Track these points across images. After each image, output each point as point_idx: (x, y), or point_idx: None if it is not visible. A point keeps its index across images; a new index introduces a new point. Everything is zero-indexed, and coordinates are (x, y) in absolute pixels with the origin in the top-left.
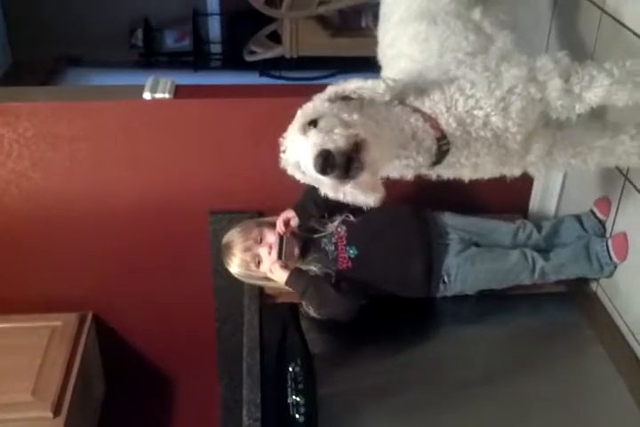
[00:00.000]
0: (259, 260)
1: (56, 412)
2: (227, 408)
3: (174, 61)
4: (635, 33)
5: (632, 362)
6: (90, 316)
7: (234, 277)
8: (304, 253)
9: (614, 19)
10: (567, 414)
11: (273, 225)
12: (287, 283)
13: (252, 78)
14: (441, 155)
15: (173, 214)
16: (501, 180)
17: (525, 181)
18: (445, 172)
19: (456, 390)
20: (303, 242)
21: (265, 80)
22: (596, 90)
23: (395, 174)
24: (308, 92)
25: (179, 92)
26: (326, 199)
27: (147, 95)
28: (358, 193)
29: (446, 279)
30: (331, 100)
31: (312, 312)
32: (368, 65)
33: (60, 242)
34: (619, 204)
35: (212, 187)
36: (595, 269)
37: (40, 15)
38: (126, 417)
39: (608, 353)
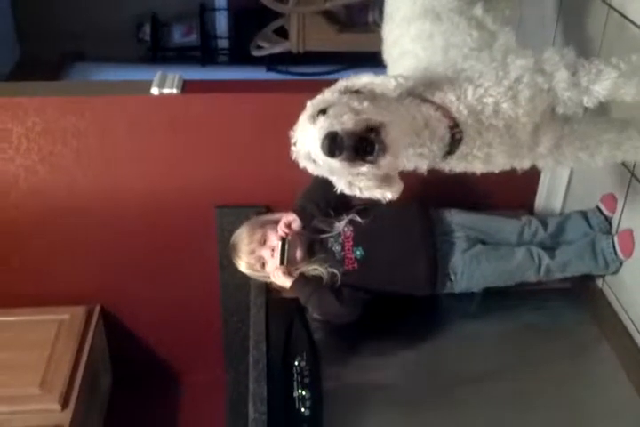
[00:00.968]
0: (263, 262)
1: (64, 404)
2: (233, 402)
3: (181, 56)
4: None
5: (637, 359)
6: (97, 309)
7: (240, 271)
8: (310, 254)
9: (621, 14)
10: (572, 411)
11: (277, 224)
12: (290, 290)
13: (259, 73)
14: (454, 144)
15: (180, 209)
16: (508, 175)
17: (531, 177)
18: (458, 165)
19: (460, 386)
20: (309, 242)
21: (272, 75)
22: (603, 83)
23: (410, 165)
24: (314, 88)
25: (186, 87)
26: (328, 198)
27: (154, 90)
28: (375, 187)
29: (452, 277)
30: (341, 93)
31: (315, 315)
32: (374, 60)
33: (67, 236)
34: (625, 200)
35: (218, 181)
36: (600, 266)
37: (48, 10)
38: (133, 410)
39: (613, 350)
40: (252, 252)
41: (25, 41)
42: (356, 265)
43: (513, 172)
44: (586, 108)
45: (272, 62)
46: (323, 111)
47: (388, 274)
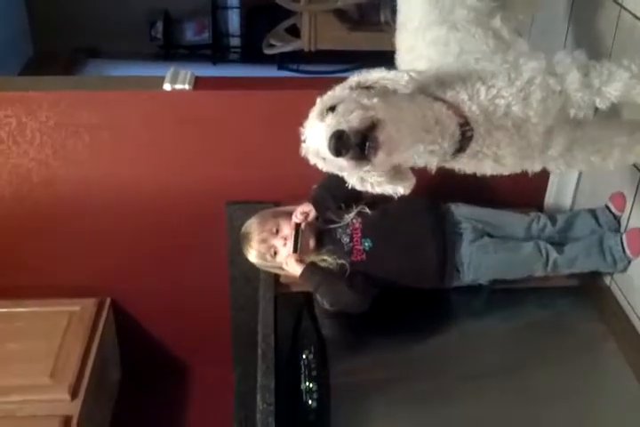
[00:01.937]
0: (274, 251)
1: (74, 394)
2: (241, 395)
3: (193, 54)
4: None
5: None
6: (108, 302)
7: (249, 266)
8: (319, 245)
9: (634, 15)
10: (578, 409)
11: (289, 215)
12: (301, 278)
13: (271, 71)
14: (465, 141)
15: (191, 204)
16: (517, 174)
17: (541, 176)
18: (468, 163)
19: (467, 382)
20: (319, 233)
21: (283, 73)
22: (615, 84)
23: (420, 162)
24: (325, 85)
25: (198, 83)
26: (343, 190)
27: (167, 86)
28: (386, 182)
29: (460, 268)
30: (352, 89)
31: (325, 305)
32: (386, 59)
33: (79, 230)
34: (634, 199)
35: (229, 177)
36: (608, 264)
37: (61, 7)
38: (141, 402)
39: (620, 348)
40: (264, 240)
41: (39, 37)
42: (364, 256)
43: (522, 172)
44: (596, 110)
45: (283, 60)
46: (332, 108)
47: (397, 265)
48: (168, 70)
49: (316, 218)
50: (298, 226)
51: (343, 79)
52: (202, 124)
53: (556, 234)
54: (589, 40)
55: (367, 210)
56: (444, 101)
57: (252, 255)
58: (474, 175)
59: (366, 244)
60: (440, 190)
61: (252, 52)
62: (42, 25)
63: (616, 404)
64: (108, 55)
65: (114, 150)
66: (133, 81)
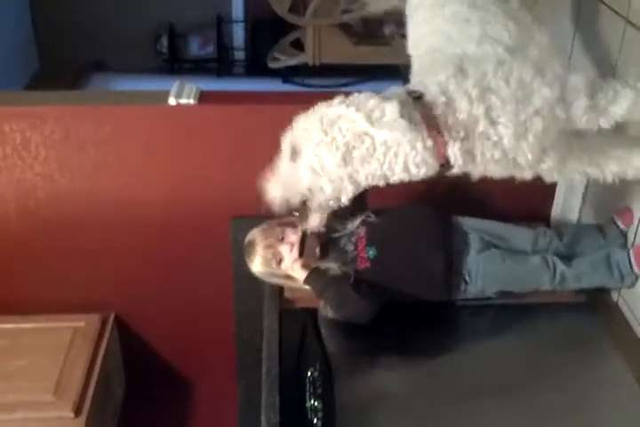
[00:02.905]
0: (280, 258)
1: (77, 412)
2: (245, 411)
3: (198, 68)
4: None
5: None
6: (112, 317)
7: (254, 282)
8: (323, 252)
9: (638, 28)
10: (585, 425)
11: (295, 225)
12: (306, 281)
13: (275, 85)
14: (443, 169)
15: (195, 219)
16: (524, 188)
17: (548, 190)
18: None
19: (473, 400)
20: (323, 241)
21: (287, 87)
22: (621, 104)
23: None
24: (329, 99)
25: (203, 98)
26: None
27: (171, 100)
28: None
29: (467, 278)
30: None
31: (330, 313)
32: (390, 72)
33: (83, 244)
34: None
35: (234, 192)
36: (616, 279)
37: (67, 21)
38: (145, 418)
39: (628, 364)
40: (270, 247)
41: (45, 51)
42: (368, 264)
43: (529, 186)
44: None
45: (288, 74)
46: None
47: (402, 273)
48: (173, 84)
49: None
50: (304, 232)
51: (347, 93)
52: (206, 139)
53: (563, 248)
54: (595, 51)
55: (372, 218)
56: (431, 133)
57: (257, 262)
58: (479, 190)
59: (371, 252)
60: (447, 203)
61: (256, 66)
62: (47, 39)
63: (624, 420)
64: (113, 69)
65: (119, 165)
66: (138, 95)
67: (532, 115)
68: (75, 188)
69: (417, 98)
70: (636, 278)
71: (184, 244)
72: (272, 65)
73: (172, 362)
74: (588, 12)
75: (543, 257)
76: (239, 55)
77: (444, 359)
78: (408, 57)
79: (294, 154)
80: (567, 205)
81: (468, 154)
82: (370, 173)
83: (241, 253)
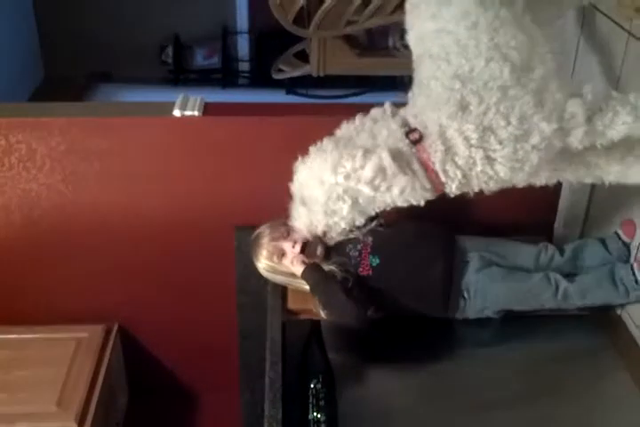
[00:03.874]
0: (282, 252)
1: (80, 423)
2: (248, 423)
3: (203, 79)
4: None
5: None
6: (115, 328)
7: (257, 293)
8: (327, 255)
9: None
10: None
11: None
12: (302, 275)
13: (279, 96)
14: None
15: (200, 229)
16: (526, 203)
17: (550, 204)
18: None
19: (477, 413)
20: (328, 245)
21: (292, 98)
22: (618, 127)
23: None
24: (334, 111)
25: (208, 109)
26: None
27: (176, 112)
28: None
29: (466, 295)
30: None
31: (319, 310)
32: (394, 84)
33: (87, 255)
34: None
35: (238, 202)
36: (621, 294)
37: (72, 32)
38: None
39: (632, 378)
40: (275, 239)
41: (50, 61)
42: (370, 272)
43: (531, 199)
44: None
45: (292, 85)
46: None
47: (401, 285)
48: (178, 95)
49: None
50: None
51: (350, 105)
52: (211, 150)
53: (566, 264)
54: (598, 65)
55: (381, 228)
56: (431, 175)
57: (261, 256)
58: (481, 205)
59: (374, 260)
60: (450, 216)
61: (261, 77)
62: (53, 50)
63: None
64: (118, 80)
65: (123, 176)
66: (143, 107)
67: (530, 151)
68: (79, 199)
69: (415, 141)
70: None
71: (188, 254)
72: (276, 76)
73: (176, 373)
74: (590, 27)
75: (545, 274)
76: (244, 66)
77: (446, 371)
78: (411, 69)
79: (303, 203)
80: (570, 220)
81: (465, 186)
82: (377, 207)
83: (245, 263)
